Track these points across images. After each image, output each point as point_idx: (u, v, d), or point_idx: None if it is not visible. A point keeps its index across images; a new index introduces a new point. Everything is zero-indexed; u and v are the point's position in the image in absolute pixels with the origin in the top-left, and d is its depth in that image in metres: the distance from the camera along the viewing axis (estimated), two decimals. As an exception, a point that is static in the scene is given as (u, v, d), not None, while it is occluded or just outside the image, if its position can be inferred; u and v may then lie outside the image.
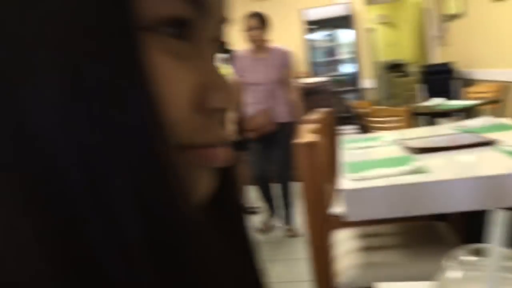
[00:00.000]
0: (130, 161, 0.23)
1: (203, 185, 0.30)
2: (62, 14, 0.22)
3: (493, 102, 3.98)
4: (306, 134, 1.64)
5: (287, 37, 7.31)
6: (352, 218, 1.47)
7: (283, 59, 3.36)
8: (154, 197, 0.24)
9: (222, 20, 0.31)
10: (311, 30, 7.25)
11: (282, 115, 3.34)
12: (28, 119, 0.21)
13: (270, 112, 3.25)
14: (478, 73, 4.80)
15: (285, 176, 3.37)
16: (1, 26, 0.22)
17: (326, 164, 1.98)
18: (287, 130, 3.16)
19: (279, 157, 3.29)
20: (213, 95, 0.28)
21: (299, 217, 3.40)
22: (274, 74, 3.32)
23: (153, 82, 0.24)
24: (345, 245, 1.83)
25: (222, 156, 0.29)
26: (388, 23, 9.64)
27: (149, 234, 0.23)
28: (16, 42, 0.22)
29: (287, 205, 3.47)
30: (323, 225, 1.55)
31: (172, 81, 0.26)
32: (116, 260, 0.22)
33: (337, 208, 1.99)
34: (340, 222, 1.56)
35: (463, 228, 1.93)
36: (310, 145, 1.52)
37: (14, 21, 0.22)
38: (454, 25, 5.85)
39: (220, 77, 0.29)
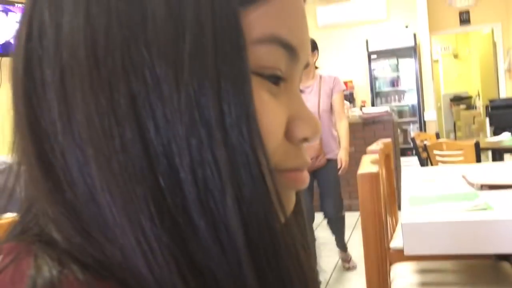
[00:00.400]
0: (238, 180, 0.28)
1: (291, 203, 0.35)
2: (202, 58, 0.27)
3: None
4: (369, 165, 1.65)
5: (352, 66, 7.34)
6: (410, 252, 1.46)
7: (332, 86, 3.20)
8: (257, 212, 0.28)
9: (307, 63, 0.37)
10: (375, 60, 7.22)
11: (330, 150, 3.20)
12: (159, 138, 0.27)
13: (321, 146, 3.10)
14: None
15: (336, 215, 3.25)
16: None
17: (387, 195, 1.98)
18: (335, 166, 3.16)
19: (329, 195, 3.20)
20: (301, 126, 0.34)
21: (357, 249, 3.36)
22: (324, 102, 3.17)
23: (258, 114, 0.29)
24: (404, 279, 1.81)
25: (306, 179, 0.36)
26: (453, 54, 9.43)
27: (251, 240, 0.28)
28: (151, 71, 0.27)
29: (340, 241, 3.39)
30: (382, 258, 1.55)
31: (270, 114, 0.31)
32: (222, 262, 0.27)
33: (397, 241, 1.97)
34: (400, 256, 1.55)
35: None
36: (372, 176, 1.53)
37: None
38: (524, 58, 5.65)
39: (306, 110, 0.35)
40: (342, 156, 3.18)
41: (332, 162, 3.19)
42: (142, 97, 0.27)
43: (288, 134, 0.33)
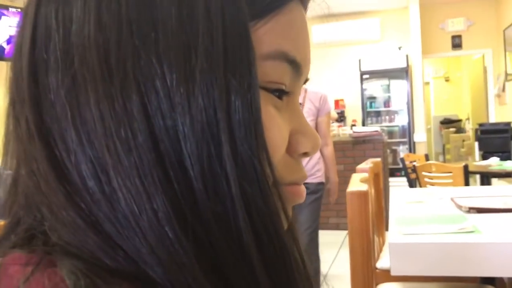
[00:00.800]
0: (248, 192, 0.28)
1: (288, 216, 0.35)
2: (216, 70, 0.28)
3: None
4: (358, 183, 1.66)
5: (344, 84, 7.40)
6: (397, 273, 1.46)
7: (319, 106, 2.86)
8: (266, 223, 0.29)
9: (307, 78, 0.38)
10: (367, 79, 7.30)
11: (312, 173, 2.86)
12: (171, 149, 0.27)
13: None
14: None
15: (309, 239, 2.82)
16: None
17: (375, 215, 1.98)
18: (316, 192, 2.84)
19: (304, 221, 2.77)
20: (302, 140, 0.35)
21: (344, 268, 3.35)
22: (308, 118, 2.81)
23: (264, 128, 0.30)
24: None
25: (303, 193, 0.36)
26: (445, 77, 9.55)
27: (262, 250, 0.29)
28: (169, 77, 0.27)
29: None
30: (368, 277, 1.55)
31: (276, 128, 0.32)
32: (237, 270, 0.28)
33: (384, 261, 1.97)
34: (386, 276, 1.55)
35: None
36: (361, 194, 1.54)
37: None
38: (513, 84, 5.75)
39: (307, 124, 0.36)
40: (332, 188, 2.97)
41: (313, 186, 2.83)
42: (153, 106, 0.27)
43: (289, 148, 0.34)
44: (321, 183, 2.91)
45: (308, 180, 2.76)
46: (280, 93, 0.33)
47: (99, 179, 0.27)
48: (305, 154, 0.36)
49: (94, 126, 0.27)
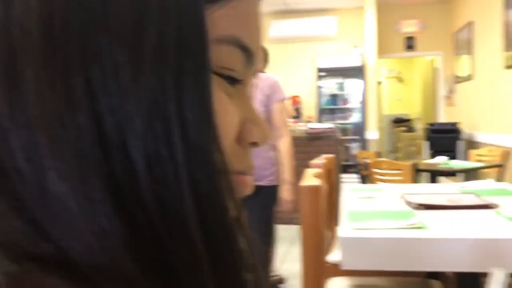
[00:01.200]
0: (195, 177, 0.27)
1: (238, 205, 0.34)
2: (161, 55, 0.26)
3: (496, 166, 4.02)
4: (311, 178, 1.67)
5: (300, 81, 7.48)
6: (347, 267, 1.48)
7: (269, 93, 2.46)
8: (213, 208, 0.28)
9: (257, 70, 0.37)
10: (323, 77, 7.41)
11: (262, 174, 2.43)
12: (115, 129, 0.25)
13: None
14: (482, 136, 4.86)
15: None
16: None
17: (327, 210, 2.00)
18: (267, 195, 2.46)
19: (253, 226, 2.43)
20: (251, 129, 0.35)
21: (295, 263, 3.38)
22: (260, 108, 2.40)
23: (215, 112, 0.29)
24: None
25: (251, 183, 0.36)
26: (397, 77, 9.79)
27: (207, 235, 0.28)
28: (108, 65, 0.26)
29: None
30: (319, 271, 1.56)
31: (226, 114, 0.32)
32: (179, 256, 0.27)
33: (334, 256, 1.99)
34: (336, 270, 1.57)
35: (457, 288, 1.93)
36: (314, 188, 1.55)
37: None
38: (462, 86, 5.95)
39: (257, 114, 0.36)
40: (284, 195, 2.48)
41: (262, 189, 2.43)
42: (99, 84, 0.25)
43: (238, 137, 0.34)
44: (271, 187, 2.47)
45: (257, 183, 2.25)
46: (232, 80, 0.33)
47: (29, 156, 0.25)
48: (254, 144, 0.35)
49: (31, 101, 0.25)
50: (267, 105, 2.45)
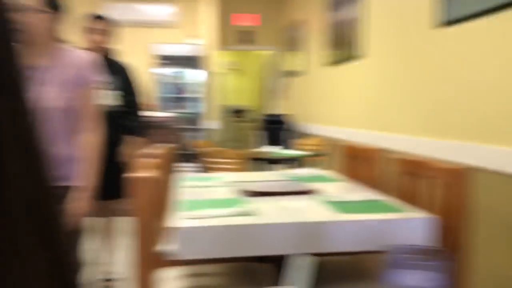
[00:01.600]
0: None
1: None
2: None
3: (319, 155, 4.38)
4: (146, 168, 1.63)
5: (140, 69, 7.27)
6: (185, 256, 1.48)
7: (80, 74, 1.91)
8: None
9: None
10: (162, 65, 7.32)
11: (66, 176, 1.89)
12: None
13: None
14: (311, 127, 5.27)
15: None
16: None
17: (161, 200, 1.98)
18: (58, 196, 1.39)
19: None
20: None
21: (127, 255, 3.30)
22: (58, 95, 1.85)
23: None
24: (171, 284, 1.83)
25: None
26: (236, 69, 10.09)
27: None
28: None
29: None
30: (150, 262, 1.54)
31: None
32: None
33: (166, 246, 1.98)
34: (168, 261, 1.56)
35: (278, 271, 2.05)
36: (148, 179, 1.51)
37: None
38: (296, 81, 6.36)
39: None
40: (75, 203, 1.84)
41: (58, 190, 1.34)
42: None
43: None
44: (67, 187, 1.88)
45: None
46: None
47: None
48: None
49: None
50: (74, 87, 1.88)
